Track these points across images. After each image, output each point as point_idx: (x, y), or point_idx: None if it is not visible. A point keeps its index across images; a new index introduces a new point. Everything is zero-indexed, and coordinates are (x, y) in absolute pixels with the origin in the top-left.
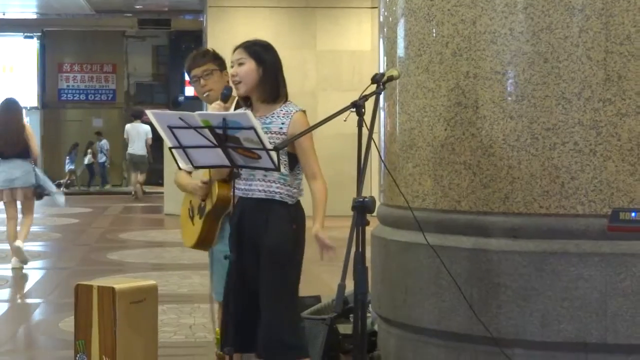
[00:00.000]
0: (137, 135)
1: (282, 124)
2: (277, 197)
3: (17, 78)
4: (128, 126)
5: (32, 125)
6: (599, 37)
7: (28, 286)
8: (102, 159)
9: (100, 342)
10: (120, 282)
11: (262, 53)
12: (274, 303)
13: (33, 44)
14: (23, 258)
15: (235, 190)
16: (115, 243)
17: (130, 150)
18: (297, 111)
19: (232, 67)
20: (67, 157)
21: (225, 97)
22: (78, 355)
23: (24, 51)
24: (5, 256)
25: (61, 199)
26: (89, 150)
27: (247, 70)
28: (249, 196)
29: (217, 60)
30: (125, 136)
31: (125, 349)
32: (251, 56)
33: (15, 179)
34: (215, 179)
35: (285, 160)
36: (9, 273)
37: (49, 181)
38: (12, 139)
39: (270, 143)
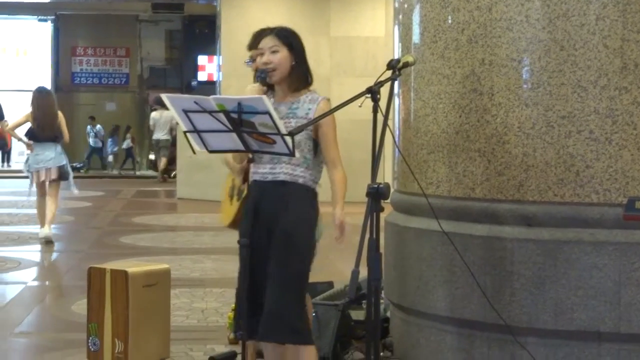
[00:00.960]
0: (164, 121)
1: (309, 109)
2: (300, 180)
3: (30, 61)
4: (154, 114)
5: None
6: (616, 25)
7: (41, 269)
8: (97, 144)
9: (113, 325)
10: (133, 266)
11: (293, 40)
12: (285, 284)
13: (47, 27)
14: (48, 232)
15: (254, 175)
16: (128, 227)
17: (155, 136)
18: (323, 99)
19: (261, 55)
20: (110, 140)
21: (264, 80)
22: (90, 338)
23: (38, 34)
24: (17, 238)
25: (76, 189)
26: (128, 135)
27: (281, 58)
28: (268, 179)
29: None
30: (151, 123)
31: (137, 332)
32: (284, 44)
33: (49, 160)
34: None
35: (310, 146)
36: (22, 255)
37: (69, 168)
38: (47, 125)
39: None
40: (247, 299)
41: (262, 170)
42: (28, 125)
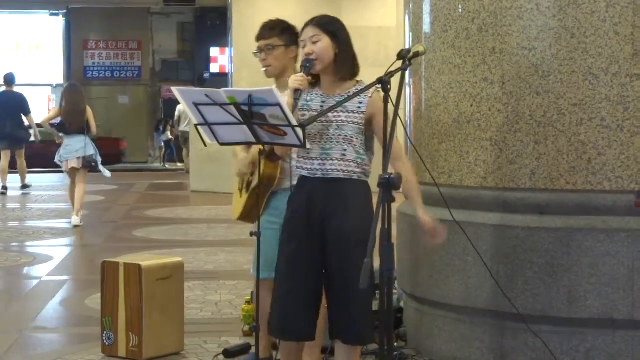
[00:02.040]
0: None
1: (360, 103)
2: (354, 176)
3: (43, 56)
4: (180, 106)
5: (57, 102)
6: (627, 12)
7: (55, 263)
8: None
9: (127, 318)
10: (147, 259)
11: (335, 28)
12: (355, 287)
13: (59, 22)
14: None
15: (300, 170)
16: (141, 220)
17: (181, 128)
18: (374, 89)
19: (303, 47)
20: (155, 133)
21: (308, 70)
22: (105, 332)
23: (50, 29)
24: (32, 233)
25: (107, 172)
26: (169, 126)
27: (323, 47)
28: (317, 176)
29: (285, 34)
30: (177, 114)
31: (151, 325)
32: (325, 32)
33: (78, 150)
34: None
35: (362, 140)
36: (37, 250)
37: (98, 156)
38: (76, 118)
39: (348, 122)
40: (297, 302)
41: (310, 166)
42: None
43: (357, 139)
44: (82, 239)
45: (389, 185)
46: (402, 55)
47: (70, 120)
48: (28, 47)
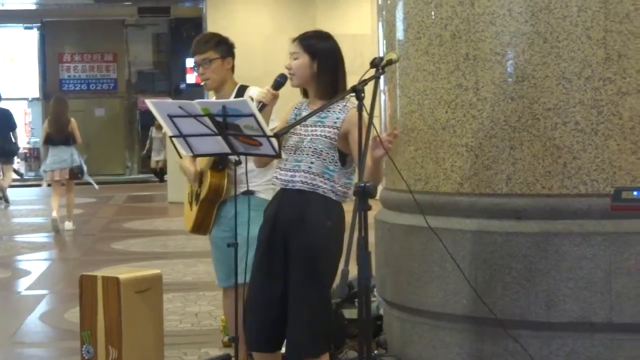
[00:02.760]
0: None
1: (337, 118)
2: (319, 190)
3: (18, 69)
4: None
5: (34, 116)
6: (598, 16)
7: (33, 277)
8: None
9: (106, 332)
10: (125, 272)
11: (317, 46)
12: (301, 303)
13: (33, 35)
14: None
15: (276, 180)
16: (119, 232)
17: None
18: (353, 107)
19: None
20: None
21: (279, 85)
22: (84, 346)
23: (24, 42)
24: (10, 248)
25: (92, 181)
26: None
27: (299, 64)
28: (289, 187)
29: (220, 46)
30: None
31: (131, 338)
32: (305, 50)
33: (64, 161)
34: (208, 168)
35: (334, 156)
36: (15, 265)
37: (84, 165)
38: (61, 129)
39: (322, 136)
40: (256, 310)
41: (284, 177)
42: None
43: (326, 153)
44: (61, 252)
45: (365, 193)
46: (375, 63)
47: (55, 131)
48: (3, 60)
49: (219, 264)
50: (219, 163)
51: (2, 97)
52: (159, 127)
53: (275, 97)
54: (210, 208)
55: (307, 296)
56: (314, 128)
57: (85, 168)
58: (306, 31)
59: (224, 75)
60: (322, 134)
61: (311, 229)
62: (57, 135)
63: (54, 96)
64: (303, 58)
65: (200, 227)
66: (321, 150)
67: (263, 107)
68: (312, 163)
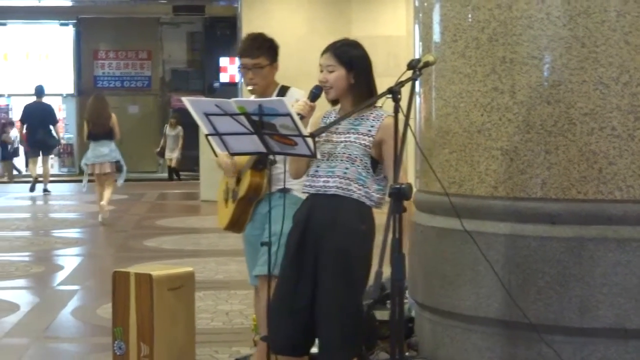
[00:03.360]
0: None
1: (372, 127)
2: (354, 195)
3: (53, 66)
4: None
5: (68, 112)
6: (637, 21)
7: (65, 273)
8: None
9: (138, 328)
10: (158, 269)
11: (352, 57)
12: (334, 307)
13: (69, 32)
14: (106, 215)
15: (309, 188)
16: (152, 230)
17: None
18: (387, 115)
19: (321, 71)
20: None
21: (315, 97)
22: (116, 342)
23: (60, 39)
24: (43, 243)
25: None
26: None
27: (337, 77)
28: (321, 192)
29: (271, 52)
30: None
31: (162, 335)
32: (341, 63)
33: (104, 155)
34: (248, 167)
35: (367, 163)
36: (48, 260)
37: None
38: (101, 125)
39: (356, 142)
40: (285, 315)
41: (316, 184)
42: None
43: (360, 159)
44: (93, 248)
45: (400, 195)
46: (413, 65)
47: (97, 126)
48: (38, 57)
49: (251, 261)
50: (260, 162)
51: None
52: (173, 125)
53: (312, 109)
54: (247, 206)
55: (340, 300)
56: (347, 135)
57: (124, 166)
58: (335, 41)
59: (270, 80)
60: (357, 140)
61: (345, 232)
62: (99, 131)
63: (93, 94)
64: (339, 70)
65: (235, 224)
66: (355, 157)
67: (301, 119)
68: (346, 169)
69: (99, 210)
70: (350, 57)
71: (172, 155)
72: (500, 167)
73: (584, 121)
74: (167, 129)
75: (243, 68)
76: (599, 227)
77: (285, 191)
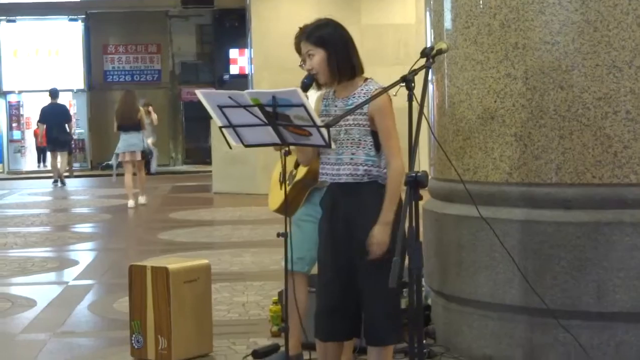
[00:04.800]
0: None
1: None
2: (365, 178)
3: (62, 61)
4: None
5: (79, 107)
6: None
7: (80, 268)
8: None
9: (156, 321)
10: (173, 262)
11: (324, 36)
12: (376, 288)
13: (78, 27)
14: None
15: (323, 176)
16: (165, 223)
17: None
18: (377, 88)
19: (303, 60)
20: None
21: (306, 86)
22: (134, 336)
23: (69, 34)
24: (57, 239)
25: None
26: None
27: (319, 60)
28: (336, 181)
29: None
30: None
31: (180, 328)
32: (317, 45)
33: (134, 145)
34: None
35: (371, 141)
36: (63, 255)
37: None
38: (130, 117)
39: (355, 125)
40: (329, 303)
41: (329, 172)
42: None
43: (365, 141)
44: (107, 243)
45: (416, 183)
46: (426, 52)
47: (126, 119)
48: (48, 52)
49: (296, 246)
50: None
51: (47, 88)
52: (147, 113)
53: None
54: (303, 190)
55: (382, 282)
56: (345, 118)
57: (154, 153)
58: (304, 25)
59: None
60: (355, 122)
61: (373, 214)
62: (128, 123)
63: (124, 89)
64: (318, 53)
65: (288, 207)
66: (359, 140)
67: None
68: (353, 154)
69: (128, 196)
70: (322, 36)
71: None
72: (514, 153)
73: (598, 105)
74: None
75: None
76: (615, 211)
77: None
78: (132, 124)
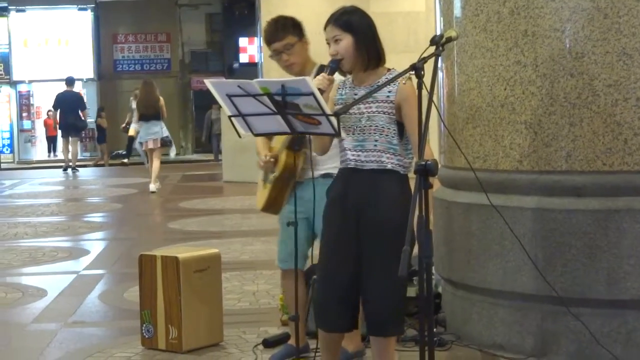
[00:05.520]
0: None
1: (389, 92)
2: (388, 166)
3: (72, 51)
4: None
5: (89, 97)
6: None
7: (91, 257)
8: None
9: (166, 311)
10: (184, 251)
11: (352, 22)
12: (385, 278)
13: (87, 16)
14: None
15: (349, 161)
16: (175, 212)
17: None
18: (402, 78)
19: (328, 44)
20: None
21: (333, 70)
22: (144, 325)
23: (79, 24)
24: (67, 228)
25: (173, 150)
26: None
27: (346, 45)
28: (351, 166)
29: (297, 29)
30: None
31: (190, 317)
32: (345, 30)
33: (154, 133)
34: (284, 148)
35: (395, 130)
36: (73, 245)
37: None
38: (151, 106)
39: (379, 112)
40: (332, 293)
41: (345, 157)
42: None
43: (388, 129)
44: (117, 232)
45: (426, 171)
46: (435, 40)
47: (146, 108)
48: (58, 42)
49: (282, 245)
50: (295, 143)
51: (57, 78)
52: (137, 98)
53: (331, 83)
54: (284, 187)
55: (390, 272)
56: (368, 105)
57: (172, 140)
58: (334, 12)
59: (305, 56)
60: (379, 109)
61: (388, 203)
62: (149, 112)
63: (143, 80)
64: (346, 38)
65: (272, 205)
66: (383, 127)
67: (321, 93)
68: (376, 141)
69: (151, 182)
70: (351, 22)
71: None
72: (524, 140)
73: (608, 92)
74: (133, 103)
75: (275, 55)
76: (626, 198)
77: (328, 177)
78: (153, 113)
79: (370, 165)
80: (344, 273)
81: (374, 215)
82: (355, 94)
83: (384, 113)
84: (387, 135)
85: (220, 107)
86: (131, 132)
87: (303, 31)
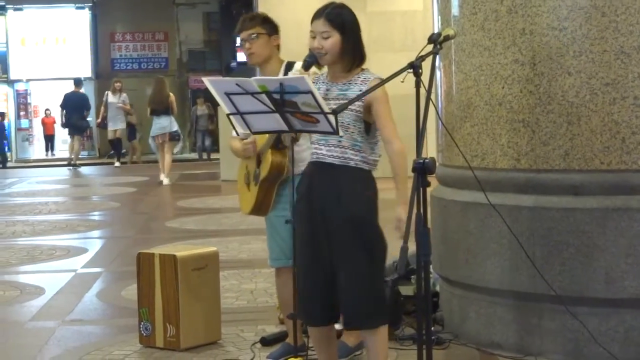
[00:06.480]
0: None
1: (360, 90)
2: (351, 163)
3: (70, 49)
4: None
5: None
6: None
7: (89, 256)
8: None
9: (164, 309)
10: (182, 250)
11: (344, 21)
12: (355, 273)
13: (85, 15)
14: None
15: (313, 155)
16: (173, 210)
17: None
18: (375, 78)
19: (313, 37)
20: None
21: (309, 65)
22: (142, 323)
23: (76, 22)
24: (66, 226)
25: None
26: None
27: (333, 43)
28: (315, 160)
29: (266, 24)
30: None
31: (188, 315)
32: (335, 28)
33: (165, 127)
34: (268, 147)
35: (360, 128)
36: (71, 243)
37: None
38: (161, 102)
39: (351, 111)
40: (312, 288)
41: (317, 151)
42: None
43: (354, 126)
44: (115, 230)
45: (424, 169)
46: (433, 39)
47: (157, 104)
48: (55, 41)
49: (274, 242)
50: (280, 141)
51: (55, 77)
52: (115, 91)
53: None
54: (271, 187)
55: (358, 268)
56: (337, 102)
57: (181, 135)
58: (324, 6)
59: (269, 51)
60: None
61: (351, 200)
62: (159, 108)
63: (155, 77)
64: (334, 36)
65: (260, 207)
66: (348, 124)
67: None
68: (340, 137)
69: (163, 175)
70: (343, 21)
71: (116, 127)
72: (522, 139)
73: (606, 91)
74: (110, 96)
75: (242, 43)
76: (623, 197)
77: None
78: (163, 109)
79: (331, 159)
80: (319, 267)
81: (337, 211)
82: (328, 90)
83: (351, 110)
84: (352, 133)
85: (205, 102)
86: (110, 135)
87: (275, 29)
